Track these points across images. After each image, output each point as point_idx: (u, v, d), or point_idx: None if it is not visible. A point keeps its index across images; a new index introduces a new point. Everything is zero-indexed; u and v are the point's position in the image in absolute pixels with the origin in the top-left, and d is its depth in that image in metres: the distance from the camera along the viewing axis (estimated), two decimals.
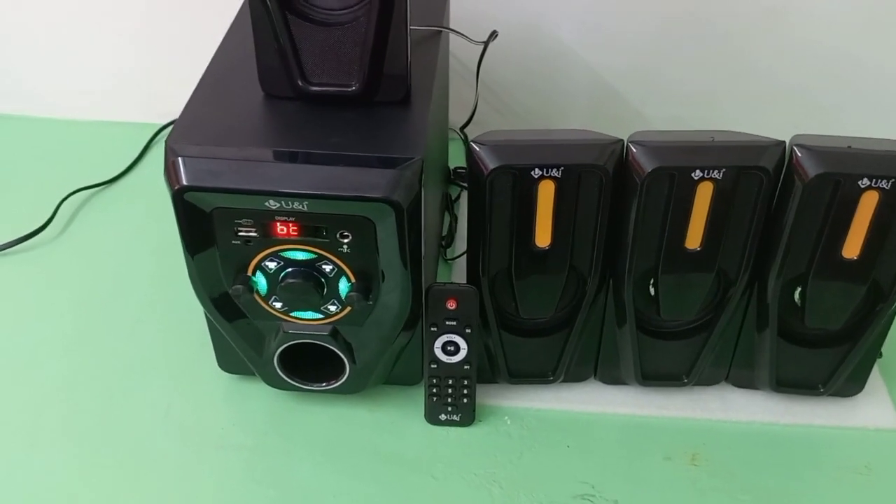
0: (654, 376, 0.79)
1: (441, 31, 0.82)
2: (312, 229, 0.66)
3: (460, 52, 1.02)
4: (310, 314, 0.72)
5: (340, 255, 0.67)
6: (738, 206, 0.67)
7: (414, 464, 0.75)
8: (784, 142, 0.66)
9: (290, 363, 0.76)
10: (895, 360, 0.82)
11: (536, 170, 0.65)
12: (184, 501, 0.73)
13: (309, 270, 0.68)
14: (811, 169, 0.64)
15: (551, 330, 0.77)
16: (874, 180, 0.64)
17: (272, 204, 0.63)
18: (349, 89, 0.68)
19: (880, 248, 0.68)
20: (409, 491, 0.73)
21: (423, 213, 0.66)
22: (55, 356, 0.85)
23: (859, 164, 0.64)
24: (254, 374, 0.79)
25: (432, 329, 0.73)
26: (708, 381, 0.81)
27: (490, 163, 0.65)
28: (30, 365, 0.85)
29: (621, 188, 0.67)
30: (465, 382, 0.76)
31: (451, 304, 0.72)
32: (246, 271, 0.69)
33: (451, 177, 1.06)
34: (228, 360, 0.80)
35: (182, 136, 0.66)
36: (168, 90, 0.99)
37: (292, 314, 0.72)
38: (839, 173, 0.64)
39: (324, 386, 0.77)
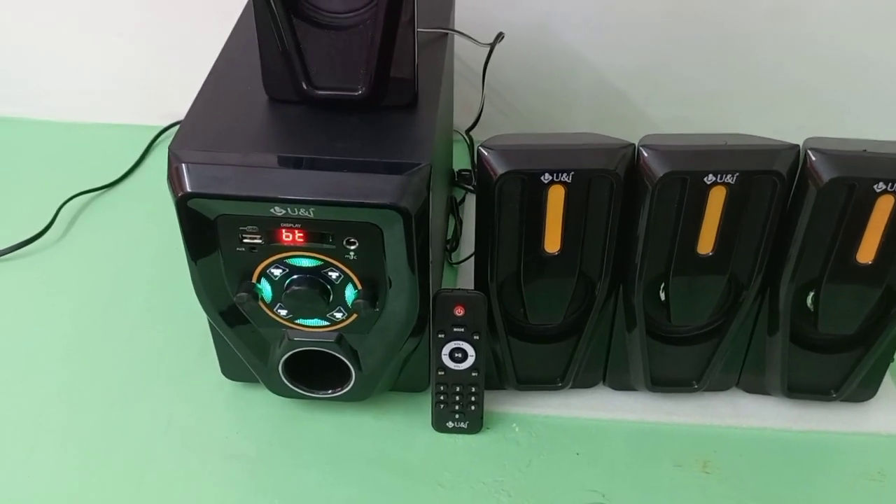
0: (664, 382, 0.78)
1: (447, 34, 0.81)
2: (318, 236, 0.65)
3: (465, 54, 1.01)
4: (315, 321, 0.71)
5: (347, 262, 0.66)
6: (750, 210, 0.66)
7: (421, 472, 0.74)
8: (798, 145, 0.65)
9: (295, 370, 0.75)
10: None
11: (546, 175, 0.64)
12: None
13: (315, 277, 0.67)
14: (826, 173, 0.63)
15: (560, 336, 0.76)
16: (890, 184, 0.63)
17: (278, 211, 0.62)
18: (355, 94, 0.67)
19: (895, 253, 0.67)
20: (416, 500, 0.72)
21: (430, 220, 0.65)
22: (55, 363, 0.84)
23: (875, 168, 0.63)
24: (258, 382, 0.77)
25: (440, 336, 0.72)
26: (719, 386, 0.80)
27: (499, 168, 0.64)
28: (29, 372, 0.83)
29: (632, 192, 0.66)
30: (473, 389, 0.75)
31: (459, 311, 0.71)
32: (251, 278, 0.68)
33: (455, 179, 1.05)
34: (232, 368, 0.79)
35: (185, 141, 0.65)
36: (169, 92, 0.98)
37: (297, 321, 0.71)
38: (854, 177, 0.63)
39: (329, 393, 0.76)
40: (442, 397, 0.76)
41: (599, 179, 0.65)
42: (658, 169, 0.64)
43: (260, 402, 0.80)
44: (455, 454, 0.76)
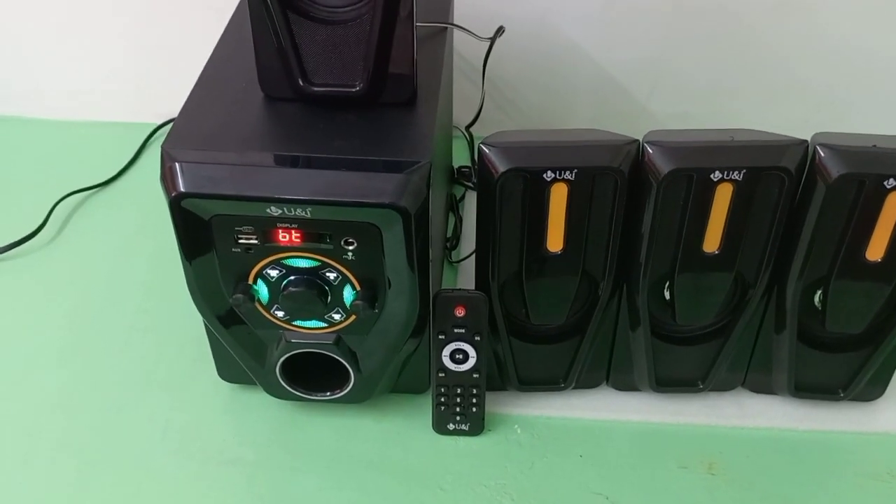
0: (669, 382, 0.77)
1: (446, 28, 0.80)
2: (316, 236, 0.63)
3: (465, 49, 0.99)
4: (313, 323, 0.69)
5: (345, 263, 0.65)
6: (758, 207, 0.65)
7: (422, 476, 0.73)
8: (806, 141, 0.64)
9: (293, 372, 0.74)
10: None
11: (549, 172, 0.63)
12: None
13: (312, 278, 0.66)
14: (835, 169, 0.62)
15: (563, 336, 0.75)
16: None
17: (273, 211, 0.61)
18: (353, 90, 0.65)
19: None
20: (417, 503, 0.71)
21: (430, 219, 0.63)
22: (49, 365, 0.83)
23: (885, 163, 0.62)
24: (255, 384, 0.76)
25: (440, 337, 0.71)
26: (724, 386, 0.79)
27: (501, 165, 0.63)
28: (22, 375, 0.82)
29: (636, 190, 0.65)
30: (474, 391, 0.74)
31: (460, 312, 0.70)
32: (247, 279, 0.67)
33: (454, 176, 1.04)
34: (228, 370, 0.77)
35: (179, 140, 0.63)
36: (163, 89, 0.97)
37: (295, 323, 0.70)
38: (864, 173, 0.62)
39: (328, 396, 0.75)
40: (443, 399, 0.74)
41: (603, 177, 0.64)
42: (663, 166, 0.62)
43: (257, 405, 0.78)
44: (456, 456, 0.75)
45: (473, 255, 0.72)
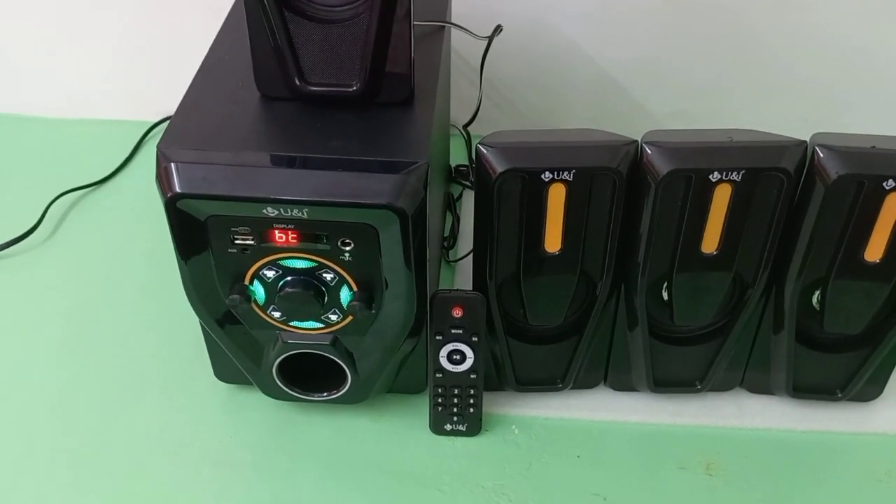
0: (667, 382, 0.77)
1: (444, 27, 0.79)
2: (312, 237, 0.63)
3: (462, 48, 0.99)
4: (310, 324, 0.69)
5: (342, 264, 0.64)
6: (756, 208, 0.64)
7: (419, 476, 0.73)
8: (805, 142, 0.63)
9: (290, 373, 0.74)
10: None
11: (547, 173, 0.62)
12: None
13: (309, 279, 0.65)
14: (834, 170, 0.62)
15: (560, 336, 0.75)
16: None
17: (270, 211, 0.60)
18: (350, 89, 0.65)
19: None
20: None
21: (427, 219, 0.63)
22: (44, 366, 0.82)
23: (884, 164, 0.61)
24: (252, 384, 0.76)
25: (437, 337, 0.71)
26: (722, 386, 0.78)
27: (498, 166, 0.62)
28: (17, 375, 0.82)
29: (635, 190, 0.64)
30: (472, 392, 0.74)
31: (457, 312, 0.70)
32: (243, 280, 0.66)
33: (452, 175, 1.03)
34: (225, 370, 0.77)
35: (174, 140, 0.63)
36: (159, 87, 0.96)
37: (291, 324, 0.69)
38: (863, 174, 0.62)
39: (325, 396, 0.75)
40: (440, 399, 0.74)
41: (601, 177, 0.63)
42: (662, 166, 0.62)
43: (254, 406, 0.78)
44: (454, 457, 0.74)
45: (471, 255, 0.72)
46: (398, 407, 0.78)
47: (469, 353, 0.71)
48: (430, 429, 0.76)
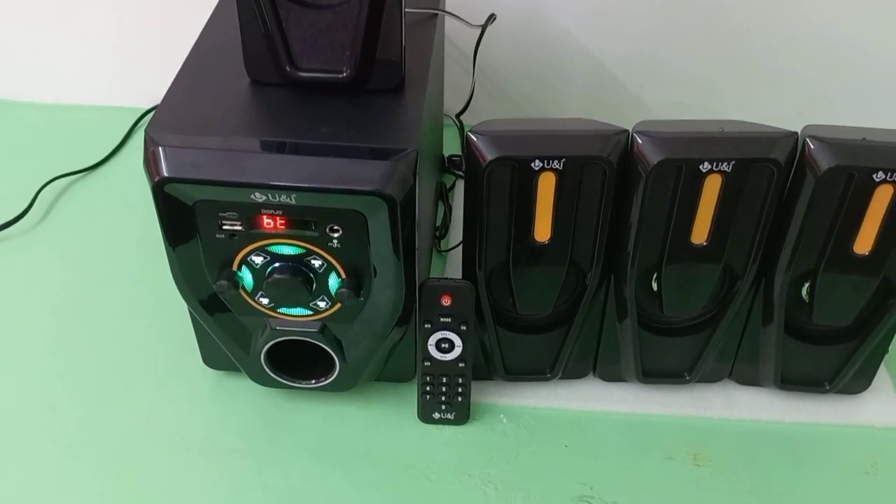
0: (656, 373, 0.77)
1: (437, 14, 0.79)
2: (301, 223, 0.63)
3: (456, 36, 0.98)
4: (298, 310, 0.69)
5: (330, 250, 0.64)
6: (746, 199, 0.64)
7: (407, 464, 0.73)
8: (796, 133, 0.63)
9: (279, 360, 0.73)
10: None
11: (537, 161, 0.62)
12: None
13: (297, 266, 0.65)
14: (824, 161, 0.62)
15: (549, 326, 0.75)
16: (889, 174, 0.61)
17: (258, 197, 0.60)
18: (340, 76, 0.65)
19: (893, 244, 0.65)
20: (401, 493, 0.71)
21: (417, 207, 0.63)
22: (32, 352, 0.82)
23: (874, 156, 0.61)
24: (240, 371, 0.76)
25: (426, 326, 0.71)
26: (711, 378, 0.78)
27: (488, 154, 0.62)
28: (4, 362, 0.81)
29: (625, 180, 0.64)
30: (460, 380, 0.74)
31: (446, 301, 0.70)
32: (231, 266, 0.66)
33: (444, 165, 1.03)
34: (213, 357, 0.77)
35: (163, 124, 0.63)
36: (152, 73, 0.95)
37: (280, 310, 0.69)
38: (853, 166, 0.61)
39: (313, 384, 0.74)
40: (428, 388, 0.74)
41: (592, 166, 0.63)
42: (652, 156, 0.62)
43: (243, 392, 0.78)
44: (441, 446, 0.75)
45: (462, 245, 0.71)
46: (386, 395, 0.78)
47: (457, 341, 0.71)
48: (419, 417, 0.76)
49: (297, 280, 0.65)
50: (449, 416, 0.75)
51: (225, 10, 0.77)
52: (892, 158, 0.61)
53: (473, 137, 0.63)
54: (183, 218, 0.63)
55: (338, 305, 0.68)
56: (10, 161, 1.06)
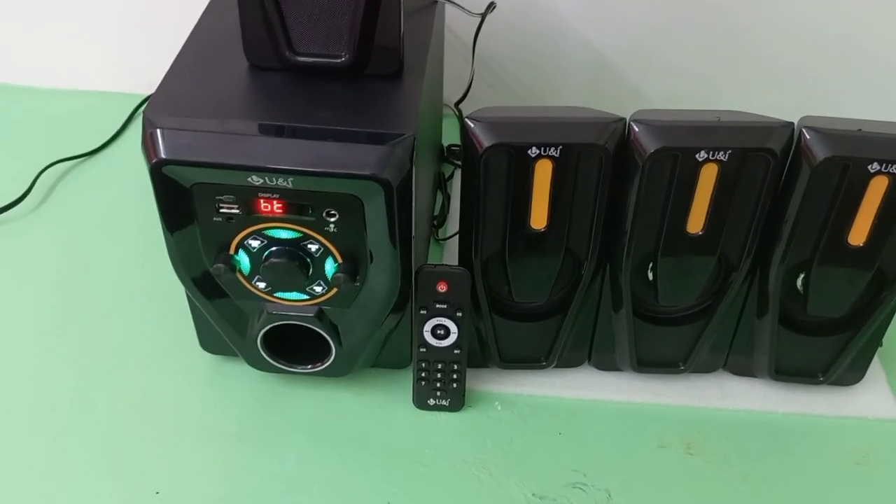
0: (650, 363, 0.77)
1: (436, 2, 0.79)
2: (298, 207, 0.63)
3: (455, 25, 0.98)
4: (294, 295, 0.69)
5: (327, 235, 0.64)
6: (742, 189, 0.65)
7: (401, 450, 0.73)
8: (793, 123, 0.63)
9: (275, 345, 0.74)
10: None
11: (534, 148, 0.62)
12: (163, 491, 0.70)
13: (294, 250, 0.66)
14: (820, 152, 0.62)
15: (545, 314, 0.75)
16: (884, 165, 0.62)
17: (255, 180, 0.60)
18: (338, 61, 0.65)
19: (887, 235, 0.66)
20: (396, 478, 0.71)
21: (413, 193, 0.63)
22: (29, 334, 0.83)
23: (870, 147, 0.62)
24: (237, 355, 0.76)
25: (422, 312, 0.71)
26: (705, 368, 0.79)
27: (485, 140, 0.62)
28: (2, 343, 0.81)
29: (621, 168, 0.64)
30: (455, 367, 0.74)
31: (442, 287, 0.70)
32: (228, 249, 0.66)
33: (444, 154, 1.03)
34: (210, 341, 0.77)
35: (161, 107, 0.63)
36: (152, 59, 0.95)
37: (276, 294, 0.69)
38: (849, 157, 0.62)
39: (309, 368, 0.75)
40: (423, 374, 0.74)
41: (588, 154, 0.63)
42: (649, 144, 0.62)
43: (239, 377, 0.78)
44: (436, 432, 0.75)
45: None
46: (382, 381, 0.79)
47: (453, 328, 0.72)
48: (414, 403, 0.77)
49: (294, 264, 0.65)
50: (444, 402, 0.76)
51: None
52: (887, 149, 0.61)
53: (470, 124, 0.63)
54: (180, 201, 0.63)
55: (334, 290, 0.68)
56: (10, 145, 1.06)
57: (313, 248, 0.65)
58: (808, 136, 0.62)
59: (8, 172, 0.99)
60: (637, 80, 1.06)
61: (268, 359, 0.74)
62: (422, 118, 0.65)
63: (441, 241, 0.93)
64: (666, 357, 0.77)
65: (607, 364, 0.79)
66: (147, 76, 1.08)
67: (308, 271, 0.66)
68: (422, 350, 0.73)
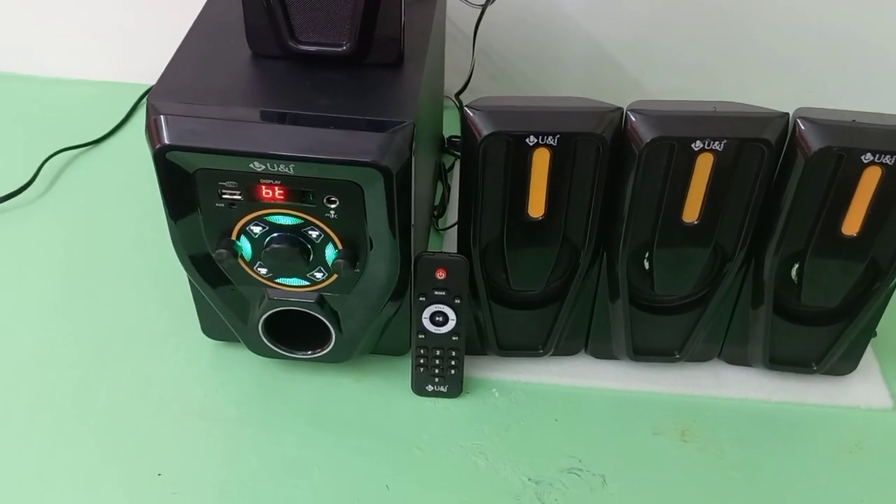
0: (646, 351, 0.78)
1: None
2: (299, 193, 0.64)
3: (456, 16, 0.99)
4: (295, 281, 0.70)
5: (327, 221, 0.65)
6: (738, 178, 0.65)
7: (399, 435, 0.74)
8: (788, 114, 0.64)
9: (276, 331, 0.75)
10: (889, 340, 0.81)
11: (532, 137, 0.63)
12: (165, 473, 0.71)
13: (295, 236, 0.66)
14: (814, 142, 0.62)
15: (542, 302, 0.76)
16: (878, 155, 0.62)
17: (257, 166, 0.61)
18: (339, 49, 0.66)
19: (881, 226, 0.66)
20: (394, 462, 0.72)
21: (413, 180, 0.64)
22: (33, 320, 0.84)
23: (863, 138, 0.62)
24: (239, 341, 0.77)
25: (420, 299, 0.72)
26: (701, 357, 0.80)
27: (484, 129, 0.63)
28: (5, 330, 0.83)
29: (618, 158, 0.65)
30: (453, 353, 0.75)
31: (441, 274, 0.71)
32: (230, 235, 0.67)
33: (445, 145, 1.04)
34: (212, 326, 0.78)
35: (165, 93, 0.64)
36: (156, 49, 0.96)
37: (277, 280, 0.70)
38: (843, 147, 0.62)
39: (309, 354, 0.76)
40: (422, 360, 0.75)
41: (586, 143, 0.64)
42: (646, 134, 0.63)
43: (240, 362, 0.79)
44: (434, 417, 0.76)
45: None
46: (381, 368, 0.80)
47: (451, 314, 0.73)
48: (412, 389, 0.77)
49: (295, 250, 0.66)
50: (442, 388, 0.77)
51: None
52: (880, 140, 0.62)
53: (469, 112, 0.64)
54: (183, 186, 0.64)
55: (334, 276, 0.69)
56: (16, 133, 1.07)
57: (314, 234, 0.66)
58: (802, 127, 0.63)
59: (13, 160, 1.00)
60: (637, 73, 1.07)
61: (269, 344, 0.75)
62: (422, 107, 0.66)
63: (441, 232, 0.94)
64: (662, 346, 0.78)
65: (604, 352, 0.80)
66: (152, 66, 1.09)
67: (309, 257, 0.67)
68: (420, 337, 0.74)
